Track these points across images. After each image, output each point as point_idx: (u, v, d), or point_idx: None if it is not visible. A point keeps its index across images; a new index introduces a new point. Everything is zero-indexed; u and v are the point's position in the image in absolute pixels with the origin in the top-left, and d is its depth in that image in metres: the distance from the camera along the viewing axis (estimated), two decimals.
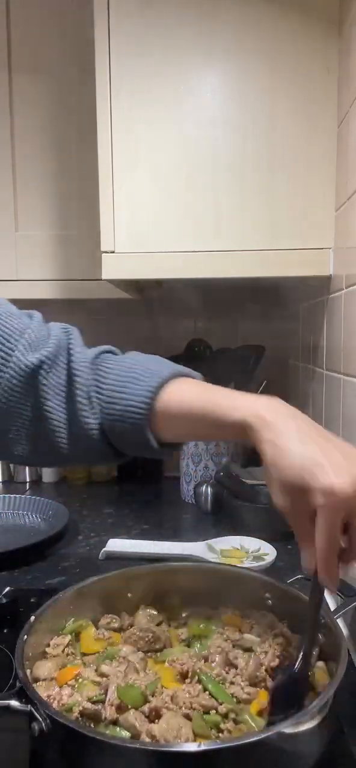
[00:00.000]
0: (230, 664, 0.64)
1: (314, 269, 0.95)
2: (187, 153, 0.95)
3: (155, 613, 0.74)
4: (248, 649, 0.66)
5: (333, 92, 0.92)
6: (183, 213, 0.96)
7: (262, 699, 0.58)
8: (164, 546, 1.09)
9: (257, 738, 0.49)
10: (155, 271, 0.98)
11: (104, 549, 1.07)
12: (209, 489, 1.31)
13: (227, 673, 0.62)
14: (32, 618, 0.66)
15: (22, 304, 1.71)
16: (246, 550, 1.07)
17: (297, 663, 0.58)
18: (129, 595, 0.76)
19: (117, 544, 1.09)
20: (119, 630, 0.71)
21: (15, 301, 1.56)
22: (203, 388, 0.69)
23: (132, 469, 1.62)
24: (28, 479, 1.60)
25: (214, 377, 1.45)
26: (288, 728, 0.50)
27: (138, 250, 0.97)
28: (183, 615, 0.75)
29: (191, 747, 0.49)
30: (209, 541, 1.09)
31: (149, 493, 1.50)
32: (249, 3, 0.92)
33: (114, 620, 0.73)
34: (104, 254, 0.97)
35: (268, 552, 1.04)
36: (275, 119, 0.93)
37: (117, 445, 0.70)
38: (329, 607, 0.68)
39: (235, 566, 0.81)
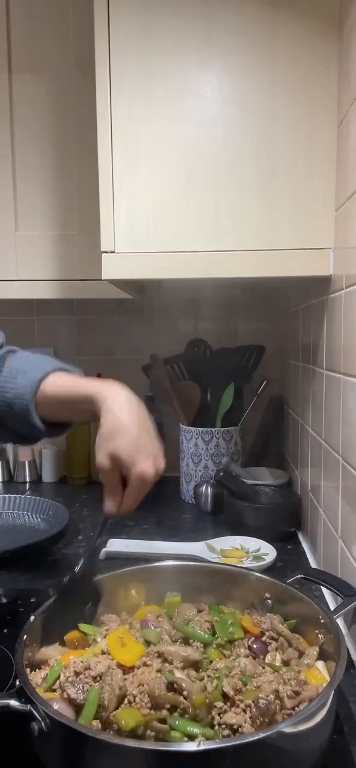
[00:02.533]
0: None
1: (314, 269, 0.95)
2: (187, 153, 0.95)
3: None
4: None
5: (333, 92, 0.92)
6: (183, 213, 0.96)
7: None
8: (164, 546, 1.09)
9: (257, 738, 0.49)
10: (155, 271, 0.98)
11: (104, 549, 1.07)
12: (209, 489, 1.31)
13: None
14: (32, 618, 0.67)
15: (22, 304, 1.71)
16: (246, 550, 1.07)
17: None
18: (133, 592, 0.77)
19: (117, 544, 1.09)
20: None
21: (15, 301, 1.57)
22: (73, 378, 0.83)
23: None
24: (28, 479, 1.60)
25: (214, 377, 1.46)
26: (287, 728, 0.50)
27: (138, 250, 0.97)
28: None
29: (191, 747, 0.49)
30: (209, 541, 1.09)
31: (148, 493, 1.50)
32: (249, 3, 0.92)
33: (113, 619, 0.73)
34: (104, 254, 0.97)
35: (268, 552, 1.04)
36: (275, 119, 0.93)
37: (13, 427, 0.84)
38: (328, 607, 0.68)
39: (235, 566, 0.82)
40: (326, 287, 0.97)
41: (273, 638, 0.68)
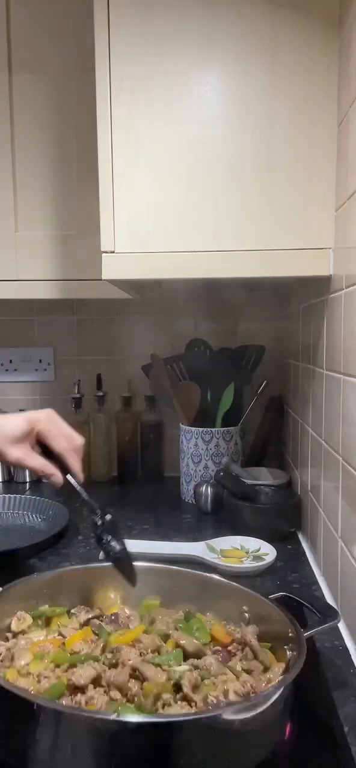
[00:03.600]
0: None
1: (314, 269, 0.95)
2: (187, 153, 0.95)
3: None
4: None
5: (333, 92, 0.92)
6: (183, 213, 0.96)
7: None
8: (164, 546, 1.09)
9: (193, 717, 0.50)
10: (155, 271, 0.98)
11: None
12: (209, 489, 1.31)
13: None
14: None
15: (22, 304, 1.71)
16: (246, 550, 1.07)
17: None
18: (111, 596, 0.77)
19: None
20: (88, 622, 0.72)
21: (15, 301, 1.57)
22: None
23: (132, 470, 1.62)
24: (28, 479, 1.60)
25: (214, 377, 1.46)
26: (229, 714, 0.50)
27: (138, 250, 0.97)
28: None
29: (105, 715, 0.51)
30: (209, 541, 1.09)
31: (149, 493, 1.50)
32: (249, 3, 0.92)
33: (86, 611, 0.74)
34: (104, 254, 0.97)
35: (268, 552, 1.04)
36: (275, 119, 0.93)
37: None
38: (298, 626, 0.67)
39: (213, 576, 0.81)
40: (326, 287, 0.97)
41: (239, 648, 0.69)
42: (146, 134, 0.95)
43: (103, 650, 0.64)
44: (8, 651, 0.65)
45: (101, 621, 0.72)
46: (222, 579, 0.80)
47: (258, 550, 1.06)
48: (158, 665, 0.60)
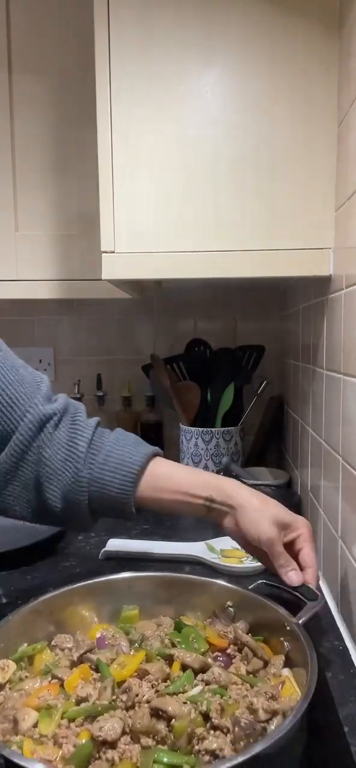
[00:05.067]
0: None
1: (314, 269, 0.95)
2: (187, 153, 0.95)
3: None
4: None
5: (333, 92, 0.92)
6: (183, 213, 0.96)
7: None
8: (163, 546, 1.09)
9: (235, 762, 0.47)
10: (155, 271, 0.98)
11: (103, 549, 1.07)
12: None
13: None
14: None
15: (22, 304, 1.71)
16: None
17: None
18: (86, 614, 0.74)
19: (117, 544, 1.09)
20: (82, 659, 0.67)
21: (15, 301, 1.57)
22: (179, 467, 0.84)
23: None
24: None
25: (214, 377, 1.46)
26: (262, 749, 0.48)
27: (138, 250, 0.97)
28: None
29: None
30: (209, 541, 1.09)
31: None
32: (249, 3, 0.92)
33: (68, 640, 0.70)
34: (104, 254, 0.97)
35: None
36: (275, 119, 0.93)
37: (96, 504, 0.79)
38: (291, 615, 0.68)
39: (192, 576, 0.81)
40: (326, 287, 0.97)
41: (237, 649, 0.68)
42: (146, 134, 0.95)
43: (112, 692, 0.59)
44: (1, 707, 0.59)
45: (93, 653, 0.67)
46: (196, 577, 0.80)
47: None
48: (173, 694, 0.57)
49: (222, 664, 0.65)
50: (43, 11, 1.25)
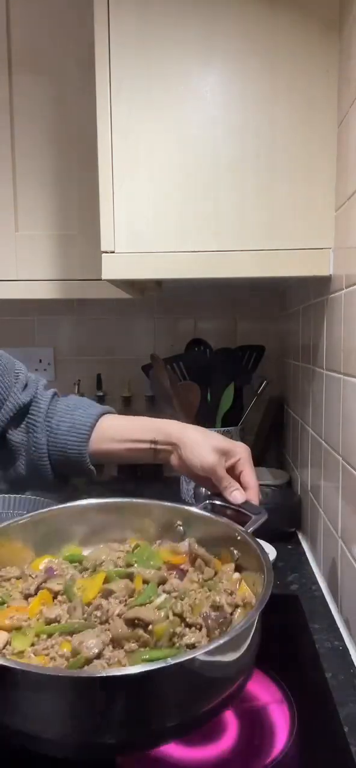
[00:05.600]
0: None
1: (314, 269, 0.95)
2: (187, 153, 0.95)
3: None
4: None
5: (333, 93, 0.92)
6: (183, 213, 0.96)
7: None
8: None
9: (175, 662, 0.49)
10: (155, 271, 0.98)
11: None
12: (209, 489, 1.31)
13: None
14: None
15: (22, 304, 1.71)
16: None
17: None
18: (19, 547, 0.74)
19: None
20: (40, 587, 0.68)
21: (15, 301, 1.57)
22: (125, 419, 0.92)
23: (132, 469, 1.62)
24: None
25: (214, 377, 1.46)
26: (205, 654, 0.50)
27: (138, 250, 0.97)
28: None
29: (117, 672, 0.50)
30: None
31: (149, 493, 1.49)
32: (249, 4, 0.92)
33: (14, 570, 0.71)
34: (104, 254, 0.97)
35: (268, 552, 1.04)
36: (275, 119, 0.93)
37: (58, 467, 0.89)
38: (239, 526, 0.72)
39: (138, 500, 0.83)
40: (326, 287, 0.97)
41: (189, 563, 0.71)
42: (146, 134, 0.95)
43: (82, 611, 0.62)
44: None
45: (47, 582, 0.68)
46: (139, 500, 0.82)
47: None
48: (142, 605, 0.60)
49: (178, 577, 0.69)
50: (43, 11, 1.25)
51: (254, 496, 0.80)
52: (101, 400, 1.61)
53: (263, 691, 0.69)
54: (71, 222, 1.30)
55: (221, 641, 0.51)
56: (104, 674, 0.50)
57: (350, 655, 0.78)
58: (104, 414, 0.90)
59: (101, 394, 1.61)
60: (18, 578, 0.70)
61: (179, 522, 0.77)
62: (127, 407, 1.61)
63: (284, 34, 0.92)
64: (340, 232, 0.90)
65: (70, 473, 0.92)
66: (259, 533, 1.09)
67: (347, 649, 0.79)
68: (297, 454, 1.31)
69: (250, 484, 0.81)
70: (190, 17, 0.93)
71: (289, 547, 1.13)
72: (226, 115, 0.94)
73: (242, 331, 1.62)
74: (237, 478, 0.82)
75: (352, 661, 0.77)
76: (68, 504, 0.80)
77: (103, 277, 0.98)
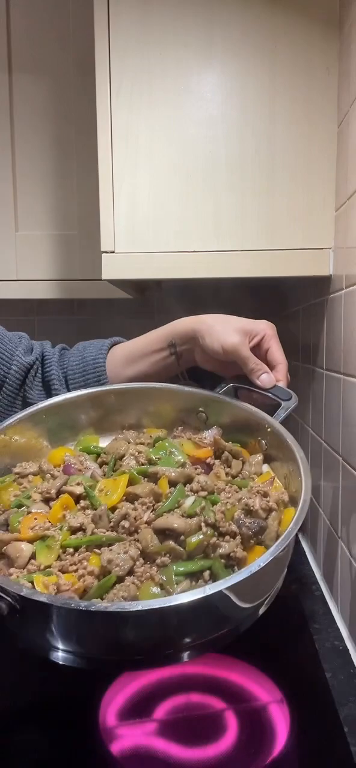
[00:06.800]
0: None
1: (314, 269, 0.95)
2: (187, 153, 0.95)
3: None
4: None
5: (333, 92, 0.92)
6: (183, 213, 0.96)
7: None
8: None
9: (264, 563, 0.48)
10: (155, 271, 0.98)
11: None
12: None
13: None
14: None
15: (22, 304, 1.71)
16: None
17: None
18: (32, 440, 0.70)
19: None
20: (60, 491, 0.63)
21: (15, 301, 1.57)
22: (135, 340, 0.88)
23: None
24: None
25: (214, 377, 1.45)
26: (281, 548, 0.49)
27: (138, 250, 0.97)
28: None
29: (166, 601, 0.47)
30: None
31: None
32: (249, 3, 0.92)
33: (30, 465, 0.67)
34: (104, 254, 0.97)
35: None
36: (275, 119, 0.93)
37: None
38: (268, 415, 0.68)
39: (155, 384, 0.78)
40: (326, 287, 0.97)
41: (214, 456, 0.67)
42: (145, 134, 0.95)
43: (108, 519, 0.57)
44: None
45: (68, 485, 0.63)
46: (154, 385, 0.77)
47: None
48: (170, 511, 0.57)
49: (203, 472, 0.64)
50: (43, 11, 1.25)
51: (282, 375, 0.74)
52: None
53: (263, 691, 0.69)
54: (71, 222, 1.30)
55: (262, 564, 0.48)
56: (141, 607, 0.45)
57: (350, 655, 0.78)
58: (114, 344, 0.89)
59: None
60: (35, 474, 0.66)
61: (200, 408, 0.71)
62: None
63: (284, 33, 0.92)
64: (340, 232, 0.90)
65: None
66: None
67: (347, 649, 0.79)
68: None
69: (279, 360, 0.76)
70: (190, 17, 0.93)
71: None
72: (226, 114, 0.94)
73: None
74: (263, 357, 0.76)
75: (352, 661, 0.77)
76: (82, 391, 0.76)
77: (103, 277, 0.98)
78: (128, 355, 0.85)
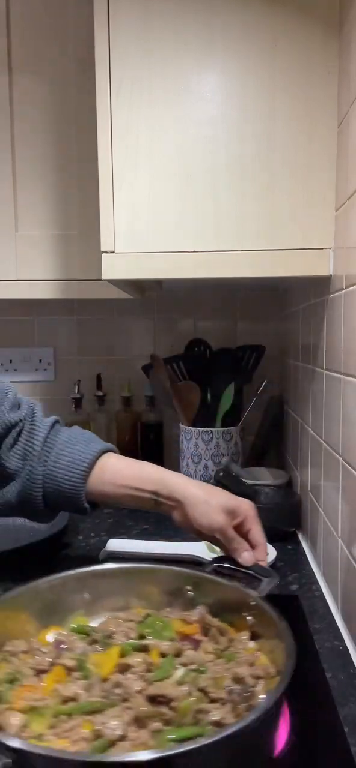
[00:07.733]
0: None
1: (314, 269, 0.95)
2: (187, 153, 0.95)
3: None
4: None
5: (333, 92, 0.92)
6: (183, 213, 0.96)
7: None
8: (164, 546, 1.09)
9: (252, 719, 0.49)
10: (155, 271, 0.98)
11: (103, 549, 1.07)
12: None
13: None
14: None
15: (22, 304, 1.72)
16: None
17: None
18: (24, 619, 0.70)
19: (117, 545, 1.09)
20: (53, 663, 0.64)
21: (15, 301, 1.57)
22: (127, 462, 0.89)
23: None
24: None
25: (214, 377, 1.46)
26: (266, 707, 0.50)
27: (138, 250, 0.97)
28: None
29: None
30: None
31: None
32: (249, 3, 0.92)
33: (22, 644, 0.67)
34: (104, 254, 0.97)
35: (268, 552, 1.04)
36: (275, 119, 0.93)
37: (51, 499, 0.87)
38: (252, 591, 0.71)
39: (143, 564, 0.81)
40: (326, 287, 0.97)
41: (202, 633, 0.69)
42: (145, 134, 0.95)
43: (101, 689, 0.59)
44: None
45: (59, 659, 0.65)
46: (153, 565, 0.80)
47: None
48: (161, 680, 0.59)
49: (192, 647, 0.67)
50: (42, 12, 1.25)
51: (263, 555, 0.80)
52: (100, 400, 1.61)
53: None
54: (71, 222, 1.30)
55: (253, 717, 0.49)
56: (140, 758, 0.47)
57: (350, 655, 0.78)
58: (105, 452, 0.89)
59: (100, 394, 1.61)
60: (25, 652, 0.66)
61: (188, 587, 0.74)
62: (127, 407, 1.61)
63: (284, 33, 0.92)
64: (340, 232, 0.90)
65: (62, 507, 0.90)
66: None
67: (347, 649, 0.79)
68: (297, 454, 1.31)
69: (259, 542, 0.81)
70: (190, 17, 0.93)
71: (289, 547, 1.13)
72: (226, 114, 0.94)
73: (242, 331, 1.62)
74: (244, 535, 0.81)
75: (352, 661, 0.77)
76: (69, 572, 0.76)
77: (103, 277, 0.98)
78: (112, 477, 0.87)
